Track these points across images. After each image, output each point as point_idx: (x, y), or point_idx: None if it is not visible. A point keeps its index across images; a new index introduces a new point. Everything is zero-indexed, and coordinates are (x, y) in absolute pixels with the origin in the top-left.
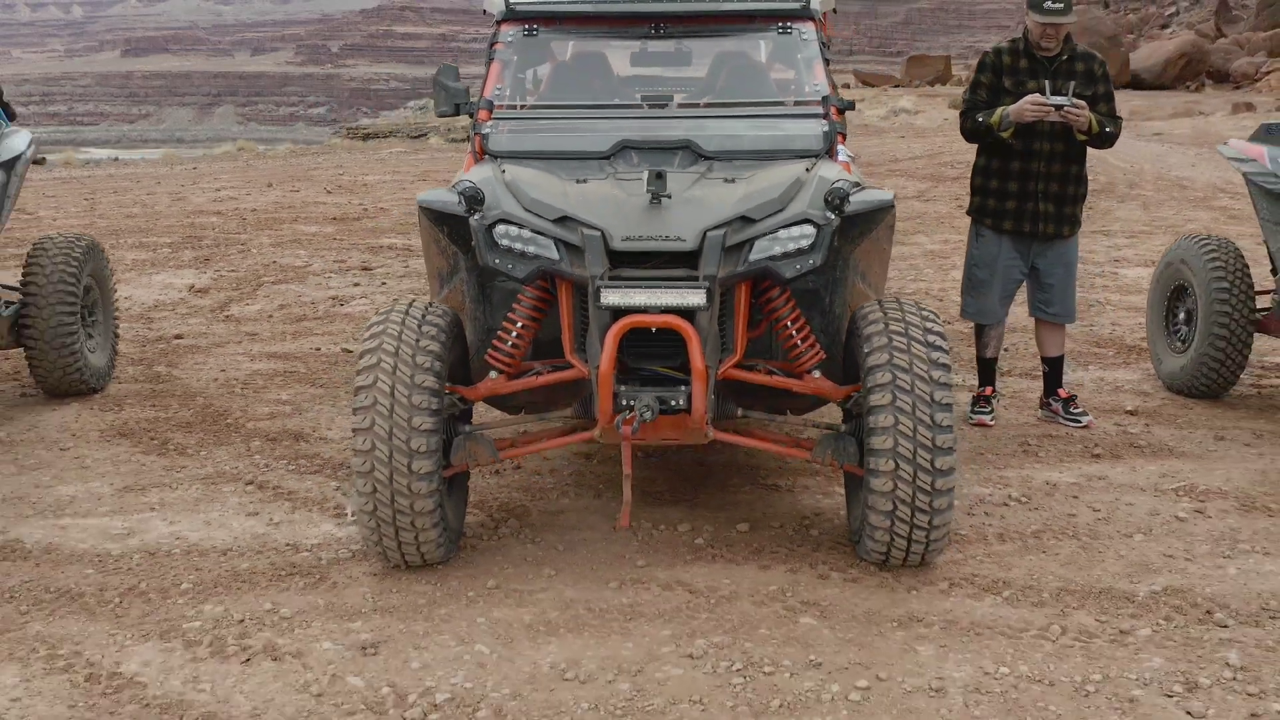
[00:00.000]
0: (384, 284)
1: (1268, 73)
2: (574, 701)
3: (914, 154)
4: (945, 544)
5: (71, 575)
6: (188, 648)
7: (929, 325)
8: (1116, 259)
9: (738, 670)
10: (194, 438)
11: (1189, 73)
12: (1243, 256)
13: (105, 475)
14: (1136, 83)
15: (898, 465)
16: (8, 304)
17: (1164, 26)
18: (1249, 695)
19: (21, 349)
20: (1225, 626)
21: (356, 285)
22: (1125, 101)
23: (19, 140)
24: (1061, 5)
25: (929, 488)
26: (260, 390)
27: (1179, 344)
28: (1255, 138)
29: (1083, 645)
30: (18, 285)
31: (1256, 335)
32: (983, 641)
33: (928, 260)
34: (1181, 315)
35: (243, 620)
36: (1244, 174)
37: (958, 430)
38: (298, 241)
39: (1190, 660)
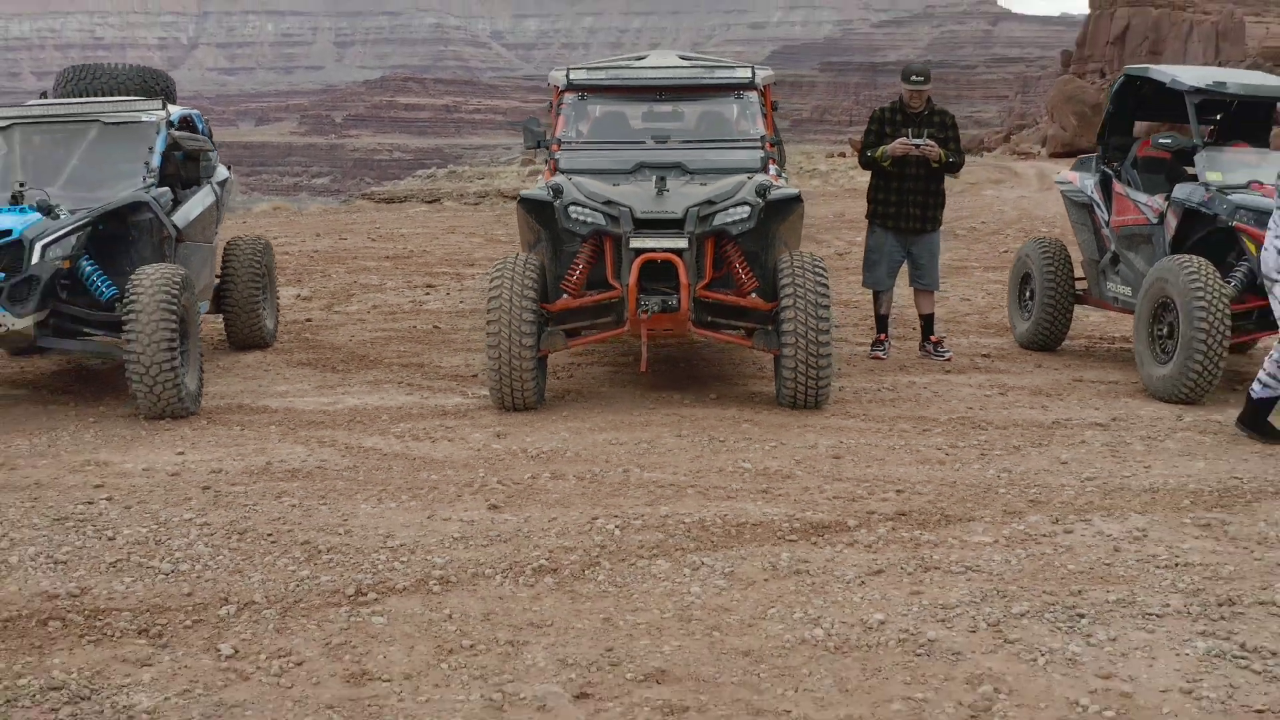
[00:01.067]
0: (448, 294)
1: None
2: (616, 451)
3: None
4: (828, 394)
5: (308, 417)
6: (397, 438)
7: (817, 265)
8: None
9: (705, 441)
10: (351, 365)
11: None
12: (1066, 251)
13: (302, 381)
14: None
15: (797, 341)
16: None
17: None
18: (983, 449)
19: (220, 314)
20: (985, 430)
21: (428, 294)
22: None
23: (222, 169)
24: (922, 79)
25: (816, 354)
26: (384, 345)
27: (1026, 314)
28: (1075, 168)
29: (899, 435)
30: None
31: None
32: (843, 433)
33: None
34: (1028, 294)
35: (425, 428)
36: (1061, 191)
37: (833, 320)
38: (366, 270)
39: (957, 439)
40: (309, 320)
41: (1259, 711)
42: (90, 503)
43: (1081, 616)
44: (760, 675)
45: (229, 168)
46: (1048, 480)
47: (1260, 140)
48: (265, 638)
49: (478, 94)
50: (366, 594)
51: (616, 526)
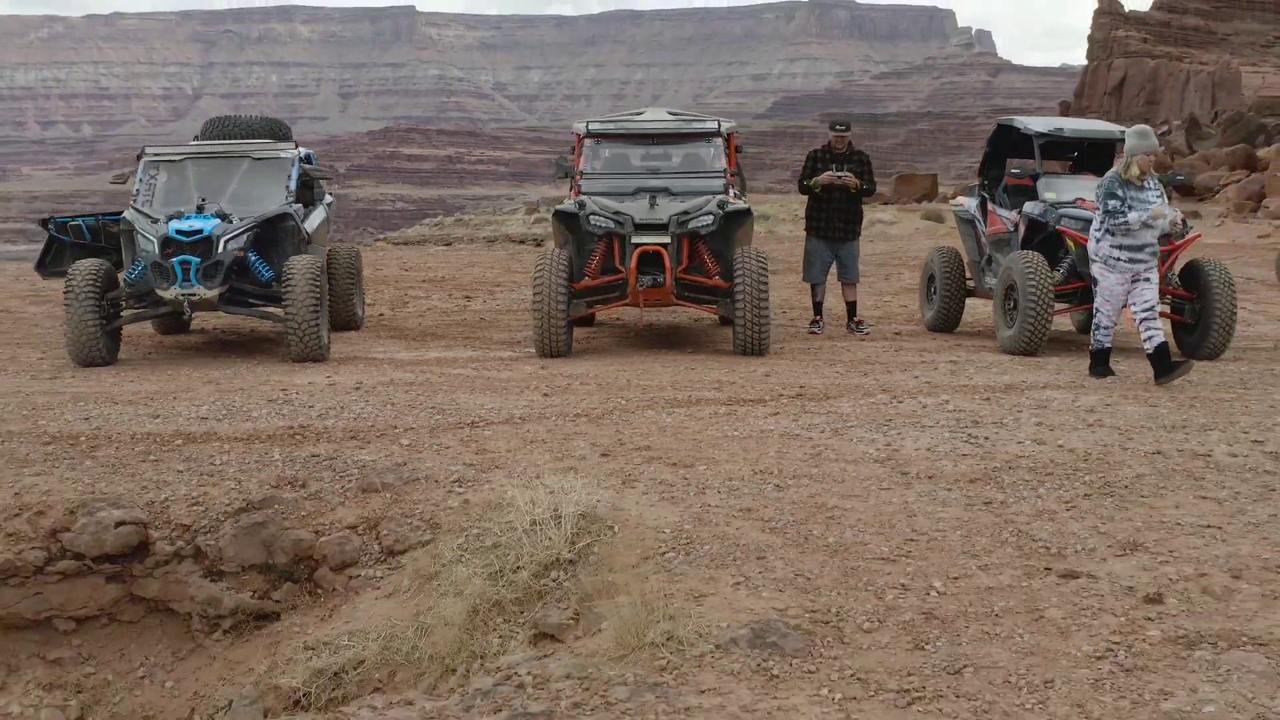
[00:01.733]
0: (485, 302)
1: (1225, 185)
2: (622, 373)
3: (877, 251)
4: (768, 345)
5: (408, 360)
6: (474, 369)
7: (760, 257)
8: None
9: (681, 369)
10: (426, 338)
11: None
12: (960, 256)
13: (393, 345)
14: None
15: (745, 307)
16: None
17: None
18: (866, 372)
19: None
20: (874, 364)
21: (468, 301)
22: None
23: (328, 194)
24: (844, 128)
25: (758, 316)
26: (447, 328)
27: (930, 304)
28: (966, 195)
29: (814, 366)
30: None
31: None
32: (775, 365)
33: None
34: (932, 289)
35: (491, 365)
36: (954, 211)
37: (771, 296)
38: (411, 288)
39: (852, 369)
40: (381, 315)
41: (964, 455)
42: (284, 394)
43: (886, 426)
44: (699, 448)
45: (332, 194)
46: (901, 383)
47: (1104, 171)
48: (425, 439)
49: (480, 145)
50: (477, 424)
51: (623, 399)
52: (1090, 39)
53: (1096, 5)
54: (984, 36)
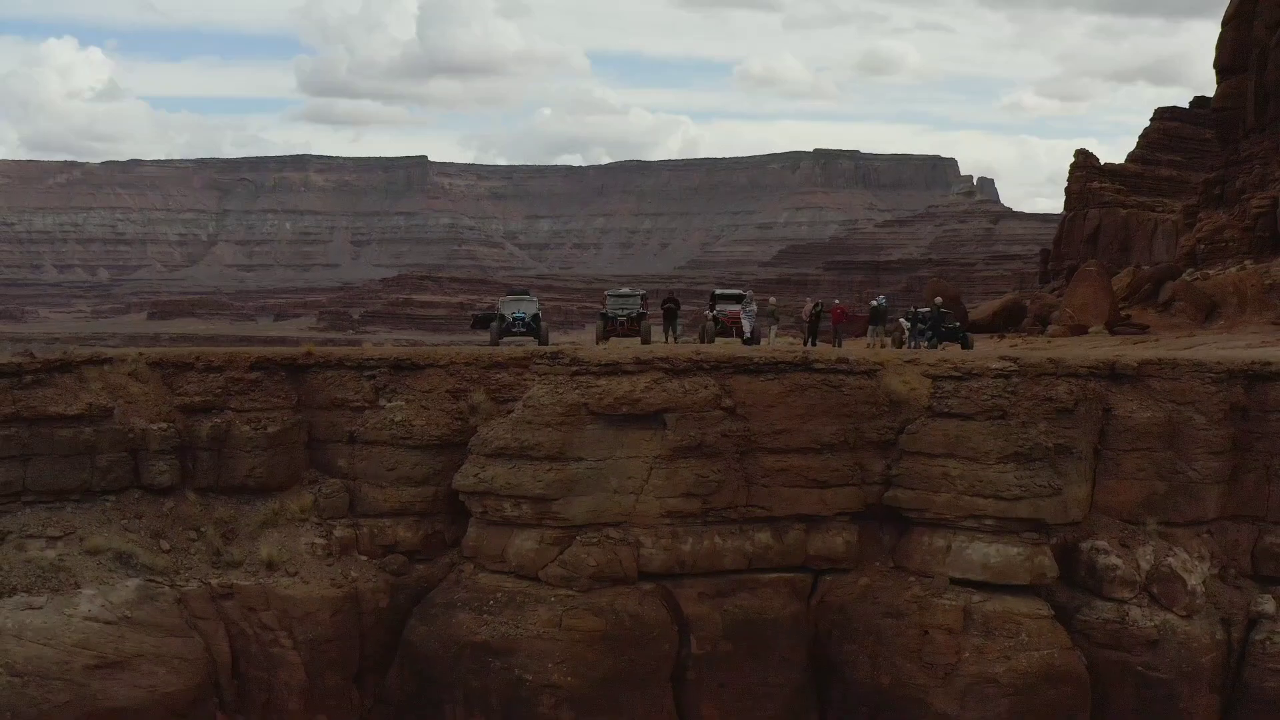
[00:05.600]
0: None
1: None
2: (619, 344)
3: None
4: (650, 339)
5: (563, 340)
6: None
7: (648, 326)
8: None
9: (630, 345)
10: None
11: (1010, 320)
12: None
13: (562, 340)
14: (975, 327)
15: (644, 333)
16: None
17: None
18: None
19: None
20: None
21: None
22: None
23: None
24: (672, 301)
25: (648, 335)
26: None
27: (703, 339)
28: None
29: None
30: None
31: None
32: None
33: None
34: (702, 332)
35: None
36: (705, 312)
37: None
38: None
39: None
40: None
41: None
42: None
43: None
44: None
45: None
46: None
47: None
48: (581, 345)
49: (492, 292)
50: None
51: (617, 344)
52: (1067, 191)
53: (1073, 159)
54: (986, 184)
